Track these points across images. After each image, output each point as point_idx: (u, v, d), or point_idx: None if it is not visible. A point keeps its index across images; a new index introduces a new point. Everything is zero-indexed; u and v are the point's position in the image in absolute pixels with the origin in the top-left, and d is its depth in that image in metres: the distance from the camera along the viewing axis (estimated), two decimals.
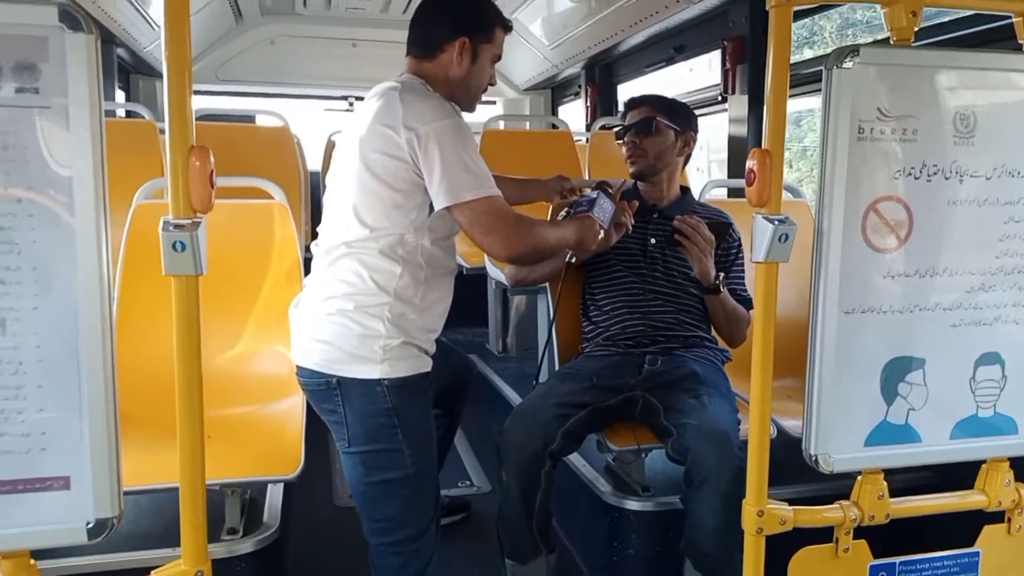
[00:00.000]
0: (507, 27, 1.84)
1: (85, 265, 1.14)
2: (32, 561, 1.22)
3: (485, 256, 3.35)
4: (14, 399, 1.16)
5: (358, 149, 1.66)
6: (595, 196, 2.01)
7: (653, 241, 2.23)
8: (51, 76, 1.11)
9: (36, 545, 1.21)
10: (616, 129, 2.30)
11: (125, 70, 4.86)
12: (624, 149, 2.28)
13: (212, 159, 1.20)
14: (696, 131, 2.30)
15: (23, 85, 1.11)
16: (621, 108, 2.39)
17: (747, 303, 2.23)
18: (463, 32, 1.74)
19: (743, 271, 2.28)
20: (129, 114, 4.29)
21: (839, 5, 3.27)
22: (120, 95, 4.76)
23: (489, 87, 1.87)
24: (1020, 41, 1.49)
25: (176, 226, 1.18)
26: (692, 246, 2.10)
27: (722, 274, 2.16)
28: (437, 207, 1.64)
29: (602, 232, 1.94)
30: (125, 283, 2.20)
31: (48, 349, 1.16)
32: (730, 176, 3.29)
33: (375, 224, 1.66)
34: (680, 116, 2.26)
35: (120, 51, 4.33)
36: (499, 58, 1.85)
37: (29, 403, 1.16)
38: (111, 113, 4.03)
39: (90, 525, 1.20)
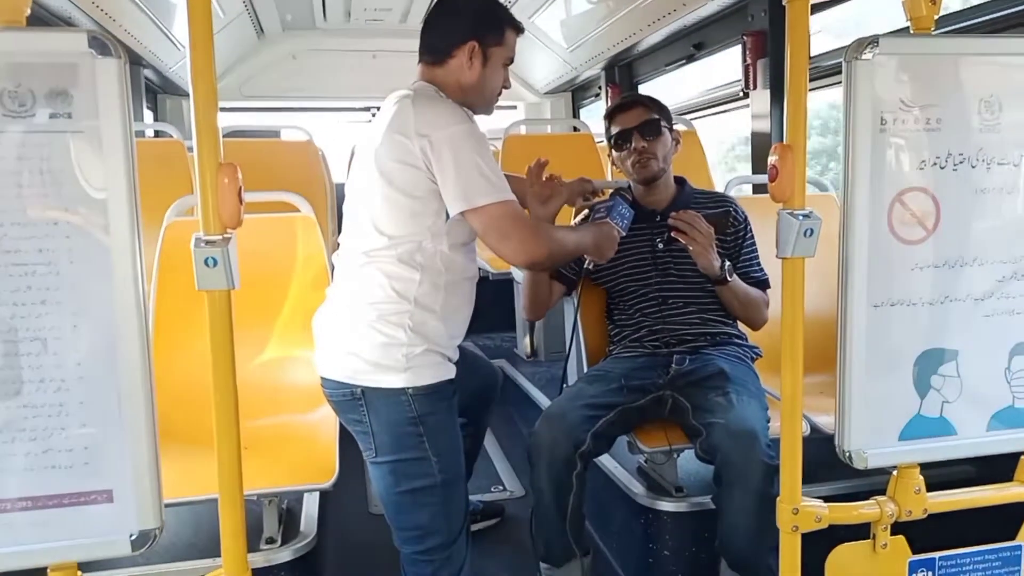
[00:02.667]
0: (518, 29, 1.82)
1: (121, 284, 1.17)
2: (79, 573, 1.25)
3: None
4: (57, 416, 1.19)
5: (373, 158, 1.66)
6: (613, 202, 2.01)
7: (660, 244, 2.20)
8: (83, 101, 1.15)
9: (82, 557, 1.24)
10: (616, 132, 2.21)
11: (152, 90, 4.96)
12: (628, 155, 2.19)
13: (240, 175, 1.22)
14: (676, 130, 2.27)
15: (56, 111, 1.15)
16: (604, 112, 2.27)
17: (763, 284, 2.20)
18: (473, 36, 1.73)
19: (755, 252, 2.24)
20: (157, 133, 4.38)
21: None
22: (148, 115, 4.86)
23: (504, 90, 1.85)
24: None
25: (207, 242, 1.21)
26: (691, 241, 2.05)
27: (728, 263, 2.11)
28: (452, 213, 1.63)
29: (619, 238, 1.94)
30: (159, 299, 2.25)
31: (88, 366, 1.19)
32: (754, 172, 3.27)
33: (393, 232, 1.65)
34: (667, 115, 2.22)
35: (147, 72, 4.42)
36: (512, 60, 1.83)
37: (72, 419, 1.20)
38: (140, 133, 4.12)
39: (133, 537, 1.23)
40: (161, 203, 2.34)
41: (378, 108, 1.79)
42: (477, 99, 1.78)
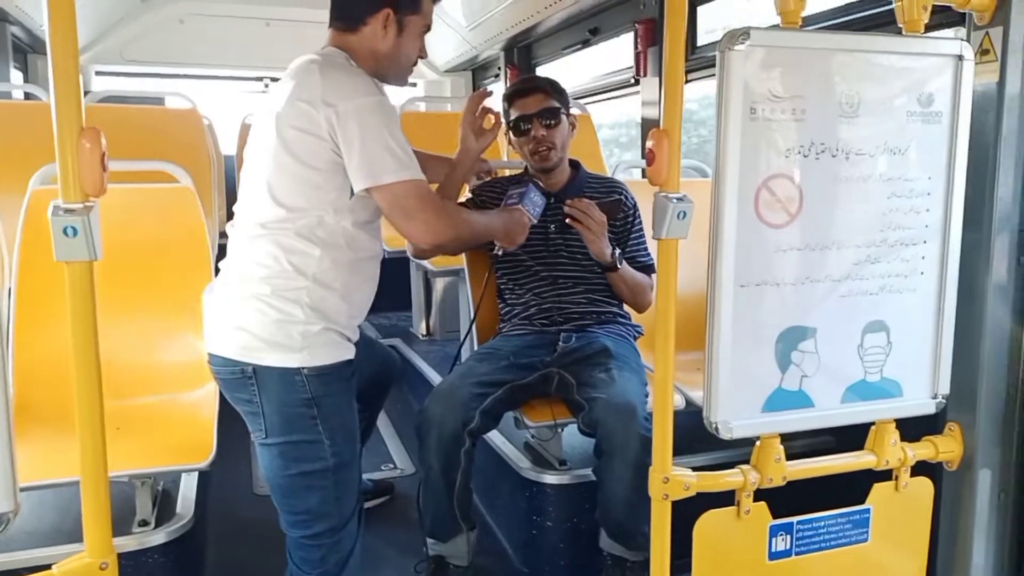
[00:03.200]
0: None
1: None
2: None
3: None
4: None
5: (274, 125, 1.57)
6: (525, 189, 2.02)
7: (553, 227, 2.23)
8: None
9: None
10: (516, 118, 2.19)
11: (21, 50, 4.61)
12: (526, 142, 2.18)
13: (104, 141, 1.16)
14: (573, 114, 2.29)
15: None
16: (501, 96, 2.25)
17: (649, 269, 2.26)
18: (387, 3, 1.66)
19: (643, 237, 2.30)
20: (28, 96, 4.08)
21: None
22: (16, 76, 4.51)
23: (420, 60, 1.79)
24: (899, 25, 1.57)
25: (67, 210, 1.15)
26: (585, 229, 2.07)
27: (618, 250, 2.17)
28: (356, 189, 1.57)
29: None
30: (23, 271, 2.11)
31: None
32: (644, 157, 3.36)
33: (292, 204, 1.58)
34: (566, 99, 2.23)
35: (15, 29, 4.10)
36: (429, 29, 1.76)
37: None
38: (6, 95, 3.83)
39: None
40: (29, 169, 2.19)
41: (272, 79, 1.72)
42: (391, 69, 1.72)
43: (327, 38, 1.72)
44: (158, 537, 1.88)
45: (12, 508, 1.17)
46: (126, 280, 2.15)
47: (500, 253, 2.12)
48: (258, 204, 1.61)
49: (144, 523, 1.92)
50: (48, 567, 1.24)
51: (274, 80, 5.41)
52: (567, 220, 2.09)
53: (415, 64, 1.78)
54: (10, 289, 2.10)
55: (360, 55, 1.67)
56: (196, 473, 2.15)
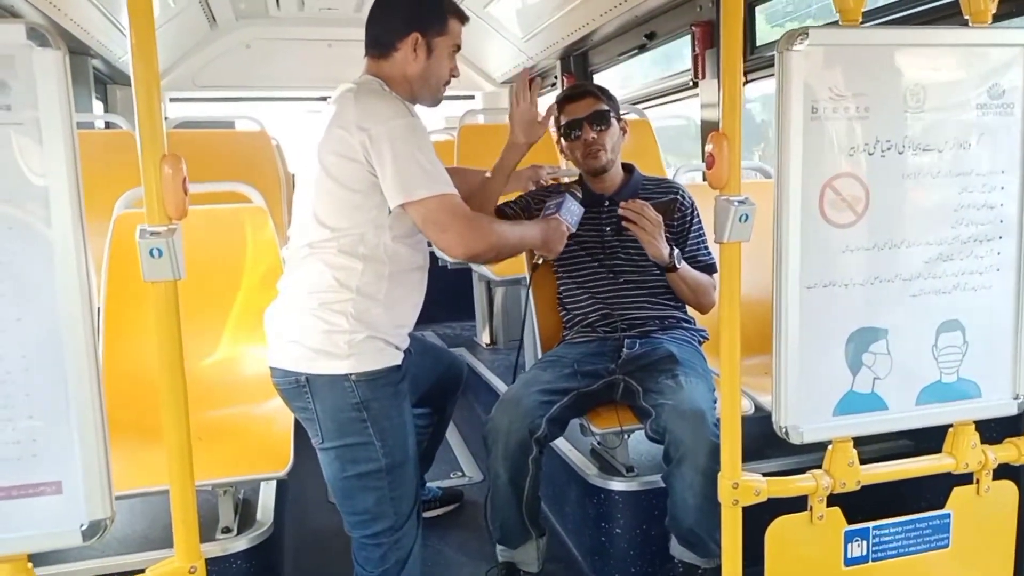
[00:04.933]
0: (462, 17, 1.83)
1: (64, 276, 1.17)
2: (29, 565, 1.25)
3: None
4: (3, 407, 1.19)
5: (316, 153, 1.67)
6: (562, 199, 2.04)
7: (608, 230, 2.24)
8: (22, 93, 1.14)
9: (32, 549, 1.24)
10: (566, 123, 2.20)
11: (102, 81, 4.85)
12: (577, 146, 2.20)
13: (184, 166, 1.23)
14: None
15: None
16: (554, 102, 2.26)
17: (711, 268, 2.24)
18: (415, 28, 1.74)
19: (702, 236, 2.27)
20: (108, 125, 4.29)
21: None
22: (98, 106, 4.76)
23: (453, 78, 1.85)
24: (965, 16, 1.53)
25: (152, 233, 1.22)
26: (640, 230, 2.07)
27: (676, 250, 2.15)
28: (391, 205, 1.65)
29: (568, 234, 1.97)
30: (110, 291, 2.23)
31: (34, 359, 1.19)
32: (704, 160, 3.33)
33: (335, 225, 1.67)
34: (615, 103, 2.25)
35: (95, 62, 4.33)
36: (459, 48, 1.83)
37: (18, 411, 1.19)
38: (89, 125, 4.04)
39: (84, 527, 1.23)
40: (112, 194, 2.32)
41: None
42: (423, 90, 1.80)
43: (363, 66, 1.81)
44: (241, 543, 1.96)
45: (109, 515, 1.24)
46: (205, 297, 2.25)
47: (540, 262, 2.14)
48: (306, 227, 1.72)
49: (227, 530, 2.00)
50: (141, 572, 1.31)
51: None
52: (622, 222, 2.09)
53: (447, 83, 1.85)
54: (99, 308, 2.22)
55: (394, 80, 1.76)
56: (274, 482, 2.23)
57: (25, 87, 1.14)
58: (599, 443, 2.37)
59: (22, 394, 1.20)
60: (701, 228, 2.28)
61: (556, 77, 5.24)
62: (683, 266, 2.16)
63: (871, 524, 1.60)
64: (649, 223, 2.07)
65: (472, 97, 6.09)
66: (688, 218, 2.26)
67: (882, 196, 1.49)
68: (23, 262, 1.17)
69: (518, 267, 2.84)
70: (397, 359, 1.76)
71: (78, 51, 3.91)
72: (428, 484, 2.64)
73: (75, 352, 1.20)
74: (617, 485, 2.22)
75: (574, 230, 2.02)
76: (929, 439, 1.68)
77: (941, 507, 1.64)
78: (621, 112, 2.30)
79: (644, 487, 2.20)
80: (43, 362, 1.20)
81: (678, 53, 3.93)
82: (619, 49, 4.29)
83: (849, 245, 1.48)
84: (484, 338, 4.33)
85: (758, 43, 3.12)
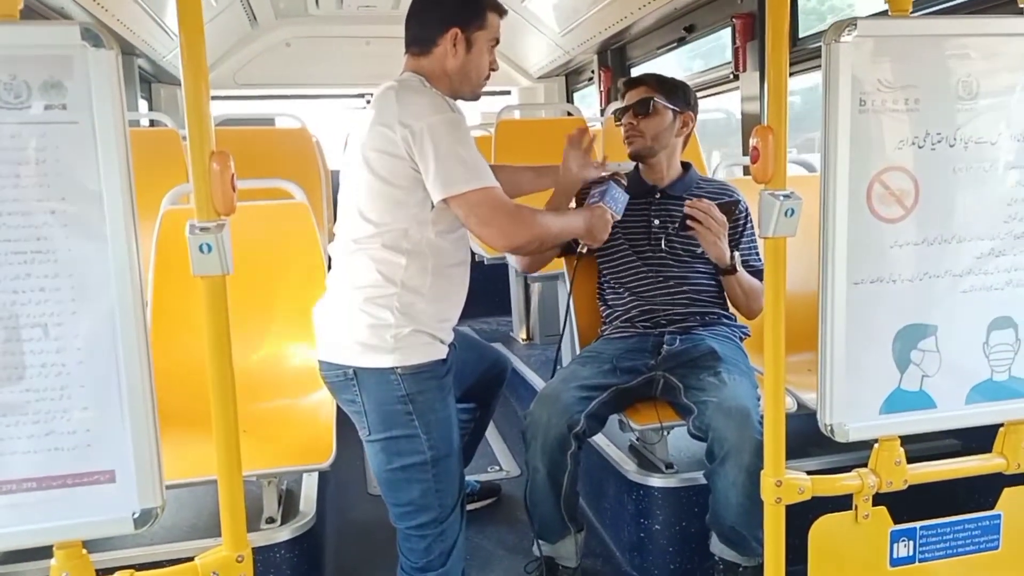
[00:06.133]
0: (500, 11, 1.84)
1: (117, 271, 1.20)
2: (84, 551, 1.29)
3: None
4: (59, 399, 1.22)
5: (360, 151, 1.70)
6: (606, 186, 2.03)
7: (657, 222, 2.23)
8: (77, 92, 1.16)
9: (87, 535, 1.28)
10: (615, 110, 2.29)
11: (146, 80, 4.96)
12: (622, 130, 2.26)
13: (232, 163, 1.25)
14: (696, 111, 2.28)
15: (51, 102, 1.17)
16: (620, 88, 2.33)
17: (761, 274, 2.22)
18: (454, 23, 1.75)
19: (754, 241, 2.26)
20: (152, 123, 4.39)
21: None
22: (143, 104, 4.86)
23: (492, 72, 1.87)
24: (1020, 5, 1.49)
25: (202, 229, 1.24)
26: (705, 231, 2.05)
27: (736, 253, 2.15)
28: (434, 200, 1.67)
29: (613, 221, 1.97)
30: (157, 285, 2.28)
31: (88, 351, 1.22)
32: (745, 153, 3.29)
33: (379, 220, 1.70)
34: (678, 96, 2.24)
35: (140, 61, 4.42)
36: (497, 42, 1.84)
37: (73, 402, 1.23)
38: (135, 123, 4.13)
39: (136, 515, 1.26)
40: (157, 191, 2.37)
41: (372, 95, 1.82)
42: (464, 84, 1.81)
43: (404, 64, 1.83)
44: (284, 533, 2.00)
45: (159, 504, 1.27)
46: (250, 291, 2.29)
47: (584, 251, 2.14)
48: (351, 223, 1.74)
49: (271, 520, 2.04)
50: (190, 559, 1.34)
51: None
52: (687, 221, 2.07)
53: (487, 77, 1.86)
54: (146, 302, 2.27)
55: (435, 76, 1.78)
56: (316, 473, 2.26)
57: (80, 87, 1.17)
58: (638, 439, 2.36)
59: (77, 385, 1.23)
60: (753, 233, 2.26)
61: (592, 71, 5.22)
62: (741, 269, 2.15)
63: (918, 524, 1.57)
64: (715, 224, 2.05)
65: (508, 92, 6.10)
66: (742, 222, 2.25)
67: (932, 190, 1.46)
68: (79, 258, 1.19)
69: (554, 263, 2.84)
70: (442, 353, 1.78)
71: (125, 51, 4.00)
72: (467, 478, 2.65)
73: (128, 345, 1.23)
74: (656, 481, 2.21)
75: (619, 217, 2.02)
76: (976, 438, 1.65)
77: (990, 508, 1.60)
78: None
79: (684, 483, 2.19)
80: (97, 355, 1.23)
81: (707, 46, 3.90)
82: (657, 42, 4.26)
83: (898, 240, 1.45)
84: (520, 333, 4.34)
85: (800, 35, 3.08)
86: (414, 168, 1.65)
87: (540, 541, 2.14)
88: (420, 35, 1.79)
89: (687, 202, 2.10)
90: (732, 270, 2.12)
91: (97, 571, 1.28)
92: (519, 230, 1.71)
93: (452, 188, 1.64)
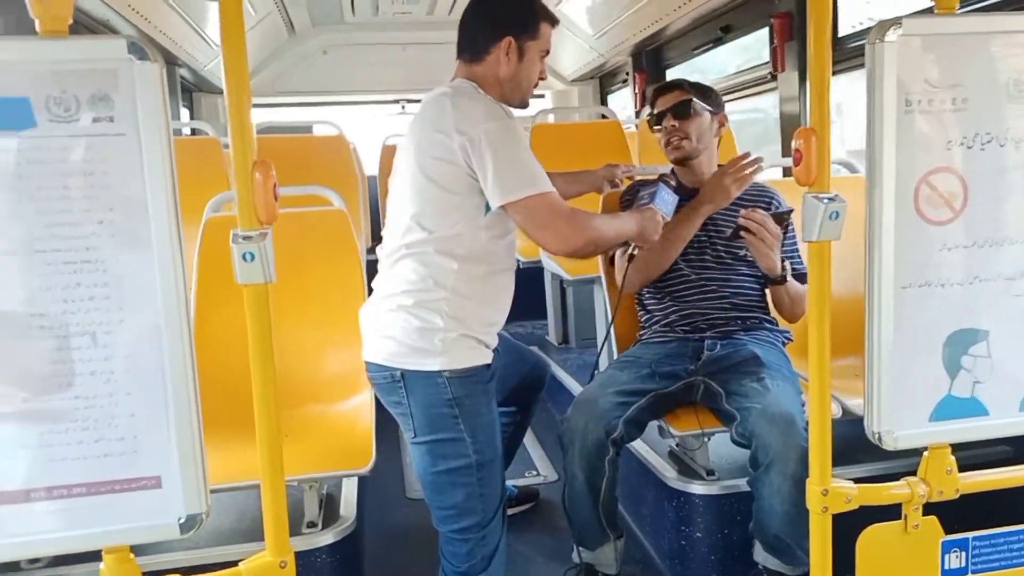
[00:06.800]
0: (553, 21, 1.86)
1: (163, 279, 1.22)
2: (132, 556, 1.31)
3: (540, 249, 3.40)
4: (108, 406, 1.24)
5: (414, 157, 1.72)
6: (656, 188, 2.03)
7: (728, 232, 2.17)
8: (123, 104, 1.19)
9: (135, 540, 1.30)
10: (651, 115, 2.26)
11: (188, 89, 5.06)
12: (662, 135, 2.23)
13: (274, 172, 1.26)
14: (725, 113, 2.27)
15: (99, 115, 1.19)
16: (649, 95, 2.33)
17: (804, 278, 2.17)
18: (508, 32, 1.77)
19: (796, 245, 2.23)
20: (194, 132, 4.47)
21: None
22: (184, 113, 4.96)
23: (540, 81, 1.89)
24: None
25: (245, 237, 1.25)
26: (759, 242, 2.01)
27: (787, 263, 2.11)
28: (493, 206, 1.69)
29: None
30: (200, 293, 2.32)
31: (135, 359, 1.24)
32: (784, 155, 3.24)
33: (433, 226, 1.72)
34: (711, 98, 2.23)
35: (182, 71, 4.51)
36: (547, 52, 1.87)
37: (121, 409, 1.25)
38: (177, 132, 4.21)
39: (181, 520, 1.28)
40: (199, 199, 2.40)
41: (408, 100, 1.84)
42: (515, 92, 1.83)
43: (456, 69, 1.85)
44: (326, 538, 2.01)
45: (204, 509, 1.29)
46: (289, 296, 2.31)
47: (636, 253, 2.12)
48: (402, 229, 1.76)
49: (312, 524, 2.05)
50: (234, 563, 1.36)
51: (411, 102, 5.71)
52: (741, 233, 2.04)
53: (536, 86, 1.88)
54: (189, 309, 2.30)
55: (487, 83, 1.80)
56: (355, 478, 2.28)
57: (126, 99, 1.19)
58: (677, 445, 2.34)
59: (124, 393, 1.25)
60: (795, 237, 2.23)
61: (627, 74, 5.19)
62: (791, 279, 2.11)
63: (970, 535, 1.52)
64: (769, 235, 2.01)
65: (543, 96, 6.09)
66: (790, 229, 2.21)
67: (981, 191, 1.42)
68: (126, 267, 1.22)
69: (591, 266, 2.82)
70: (488, 358, 1.79)
71: (168, 61, 4.08)
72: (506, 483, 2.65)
73: (173, 352, 1.24)
74: (698, 488, 2.18)
75: (669, 218, 2.01)
76: None
77: None
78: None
79: (725, 491, 2.15)
80: (144, 362, 1.25)
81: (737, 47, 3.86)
82: (693, 44, 4.22)
83: (946, 243, 1.41)
84: (556, 337, 4.32)
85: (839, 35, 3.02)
86: (471, 175, 1.67)
87: (580, 547, 2.13)
88: (473, 42, 1.81)
89: (742, 212, 2.05)
90: (782, 280, 2.09)
91: (144, 574, 1.30)
92: (576, 234, 1.72)
93: (511, 194, 1.65)
